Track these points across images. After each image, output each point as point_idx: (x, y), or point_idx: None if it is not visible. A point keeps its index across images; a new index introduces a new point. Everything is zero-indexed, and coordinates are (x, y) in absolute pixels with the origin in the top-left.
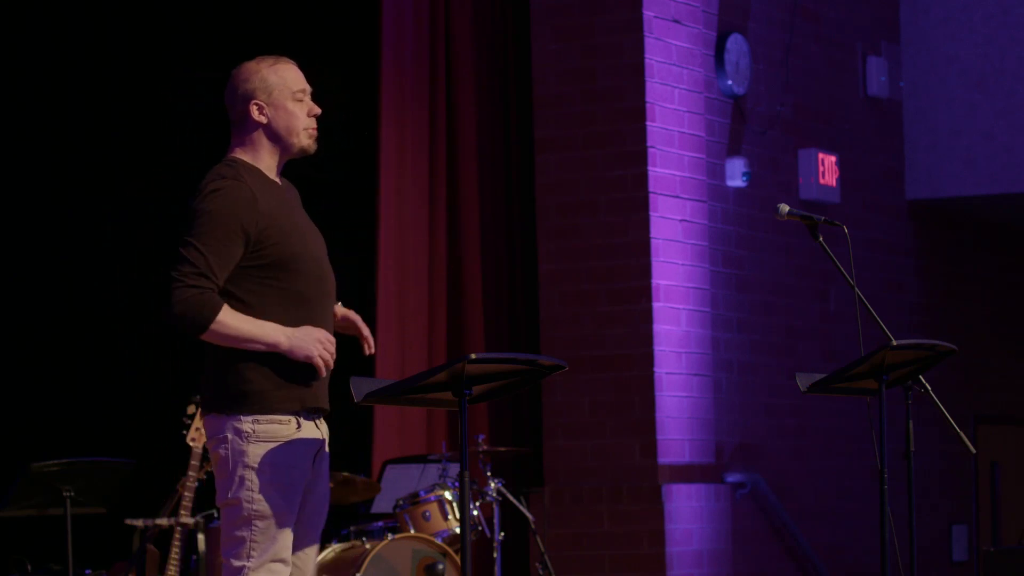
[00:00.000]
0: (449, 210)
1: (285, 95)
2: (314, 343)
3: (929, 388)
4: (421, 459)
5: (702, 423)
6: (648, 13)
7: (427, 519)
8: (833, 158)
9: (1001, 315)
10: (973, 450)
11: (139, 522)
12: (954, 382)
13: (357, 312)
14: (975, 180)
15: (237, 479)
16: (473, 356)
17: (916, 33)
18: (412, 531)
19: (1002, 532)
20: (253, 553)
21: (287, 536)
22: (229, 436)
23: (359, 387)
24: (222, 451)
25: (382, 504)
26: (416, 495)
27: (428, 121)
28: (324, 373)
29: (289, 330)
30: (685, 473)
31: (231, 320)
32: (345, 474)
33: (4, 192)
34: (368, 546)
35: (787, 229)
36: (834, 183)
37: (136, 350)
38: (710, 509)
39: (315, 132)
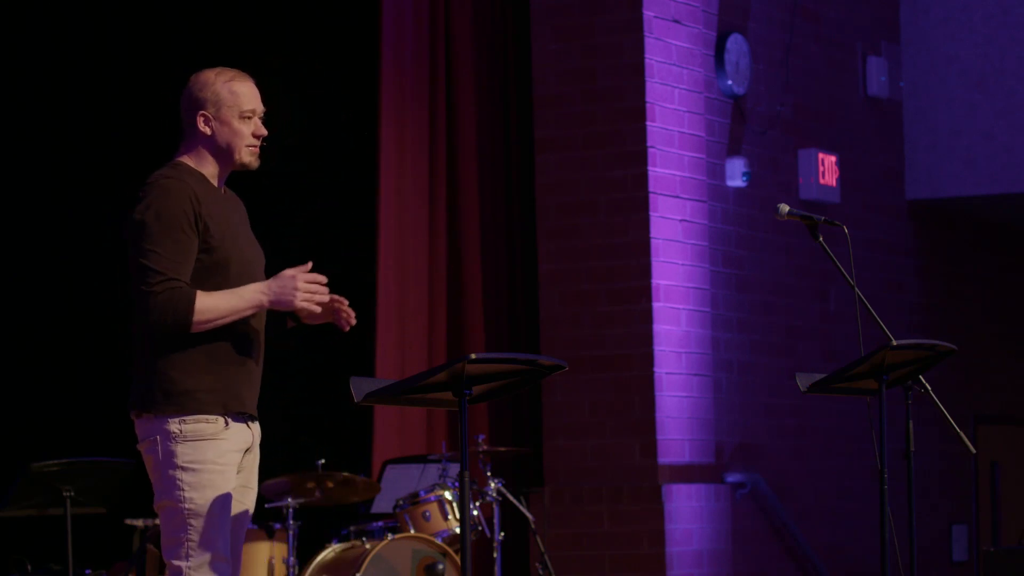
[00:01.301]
0: (449, 210)
1: (233, 113)
2: (292, 292)
3: (929, 388)
4: (421, 459)
5: (702, 423)
6: (648, 13)
7: (427, 519)
8: (833, 158)
9: (1001, 315)
10: (973, 450)
11: (139, 522)
12: (954, 382)
13: (356, 313)
14: (975, 180)
15: (169, 480)
16: (473, 356)
17: (916, 33)
18: (412, 531)
19: (1002, 532)
20: (192, 553)
21: (224, 533)
22: (158, 439)
23: (359, 387)
24: (152, 454)
25: (382, 504)
26: (416, 495)
27: (428, 121)
28: (316, 312)
29: (264, 285)
30: (685, 473)
31: (210, 303)
32: (345, 474)
33: (4, 192)
34: (368, 546)
35: (787, 229)
36: (834, 183)
37: (135, 345)
38: (710, 509)
39: (258, 150)
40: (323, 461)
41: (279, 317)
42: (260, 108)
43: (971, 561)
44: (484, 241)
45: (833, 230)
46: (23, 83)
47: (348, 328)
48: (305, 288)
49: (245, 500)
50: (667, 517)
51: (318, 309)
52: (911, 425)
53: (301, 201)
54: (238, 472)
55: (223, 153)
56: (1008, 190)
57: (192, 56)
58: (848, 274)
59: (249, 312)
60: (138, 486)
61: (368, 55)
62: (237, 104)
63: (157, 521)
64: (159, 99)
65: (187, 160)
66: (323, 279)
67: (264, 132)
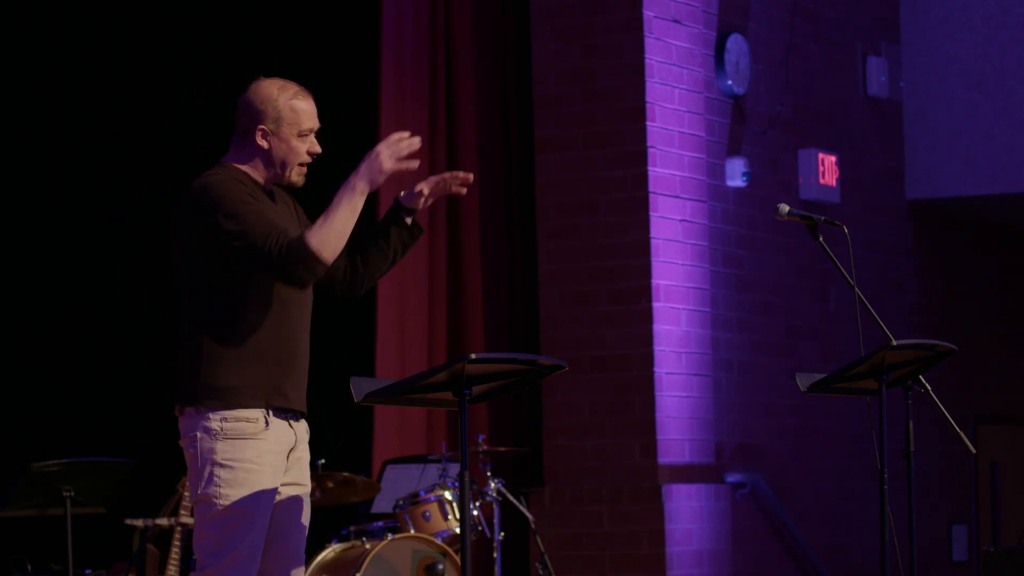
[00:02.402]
0: (449, 210)
1: (292, 131)
2: (378, 162)
3: (929, 388)
4: (421, 459)
5: (702, 423)
6: (648, 13)
7: (427, 519)
8: (833, 158)
9: (1001, 315)
10: (973, 450)
11: (139, 522)
12: (954, 382)
13: (357, 311)
14: (975, 180)
15: (207, 476)
16: (473, 356)
17: (916, 33)
18: (412, 531)
19: (1002, 532)
20: (222, 549)
21: (256, 533)
22: (198, 435)
23: (359, 387)
24: (192, 449)
25: (382, 504)
26: (416, 495)
27: (428, 121)
28: (413, 166)
29: (353, 175)
30: (685, 473)
31: (325, 229)
32: (345, 474)
33: (4, 192)
34: (368, 546)
35: (787, 229)
36: (834, 183)
37: (136, 350)
38: (710, 509)
39: (305, 169)
40: (323, 461)
41: (396, 225)
42: (317, 125)
43: (971, 561)
44: (484, 241)
45: (833, 230)
46: (23, 83)
47: (465, 190)
48: (388, 152)
49: (297, 497)
50: (667, 517)
51: (415, 163)
52: (911, 425)
53: (301, 202)
54: (285, 471)
55: (275, 168)
56: (1008, 190)
57: (192, 56)
58: (848, 274)
59: (363, 198)
60: (138, 486)
61: (368, 55)
62: (298, 123)
63: (157, 521)
64: (159, 99)
65: (236, 164)
66: (404, 133)
67: (318, 150)
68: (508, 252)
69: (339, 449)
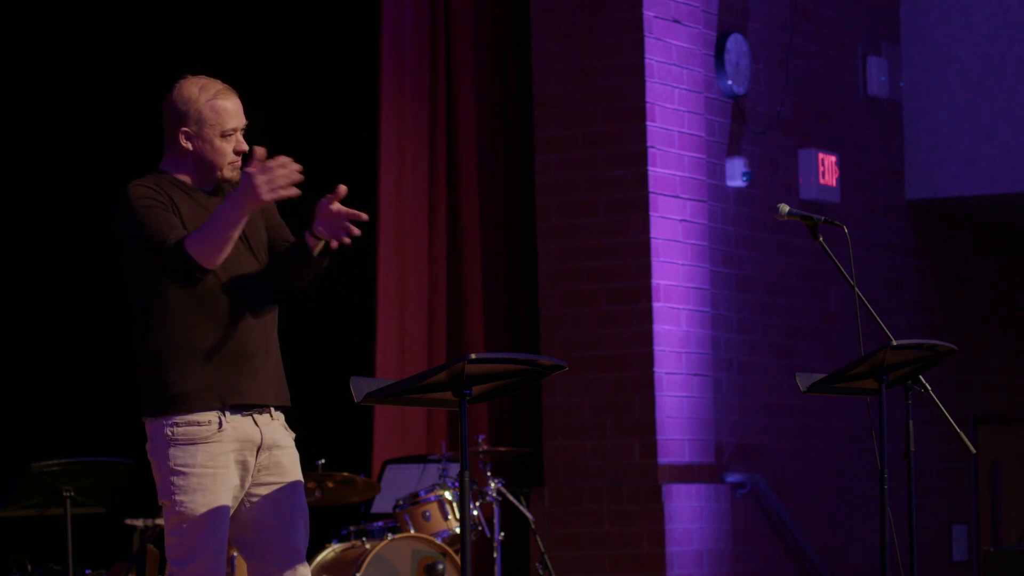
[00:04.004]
0: (449, 210)
1: (215, 132)
2: (254, 188)
3: (929, 388)
4: (421, 459)
5: (702, 423)
6: (648, 13)
7: (427, 519)
8: (833, 158)
9: (1001, 315)
10: (973, 450)
11: (139, 522)
12: (954, 382)
13: (357, 311)
14: (975, 180)
15: (164, 483)
16: (473, 356)
17: (916, 33)
18: (412, 531)
19: (1002, 532)
20: (186, 555)
21: (218, 536)
22: (157, 441)
23: (359, 387)
24: (152, 456)
25: (382, 504)
26: (416, 495)
27: (428, 121)
28: (294, 194)
29: (238, 195)
30: (685, 473)
31: (201, 236)
32: (345, 474)
33: (4, 192)
34: (368, 546)
35: (787, 229)
36: (834, 183)
37: (136, 350)
38: (710, 509)
39: (238, 164)
40: (323, 461)
41: (301, 248)
42: (242, 123)
43: (971, 561)
44: (484, 241)
45: (833, 230)
46: (23, 83)
47: (340, 242)
48: (264, 180)
49: (279, 497)
50: (667, 517)
51: (294, 191)
52: (911, 425)
53: (300, 202)
54: (259, 470)
55: (203, 168)
56: (1008, 190)
57: (193, 55)
58: (848, 274)
59: (243, 216)
60: (138, 486)
61: (368, 55)
62: (219, 123)
63: (157, 521)
64: (161, 99)
65: (167, 167)
66: (285, 159)
67: (245, 148)
68: (508, 252)
69: (339, 449)
